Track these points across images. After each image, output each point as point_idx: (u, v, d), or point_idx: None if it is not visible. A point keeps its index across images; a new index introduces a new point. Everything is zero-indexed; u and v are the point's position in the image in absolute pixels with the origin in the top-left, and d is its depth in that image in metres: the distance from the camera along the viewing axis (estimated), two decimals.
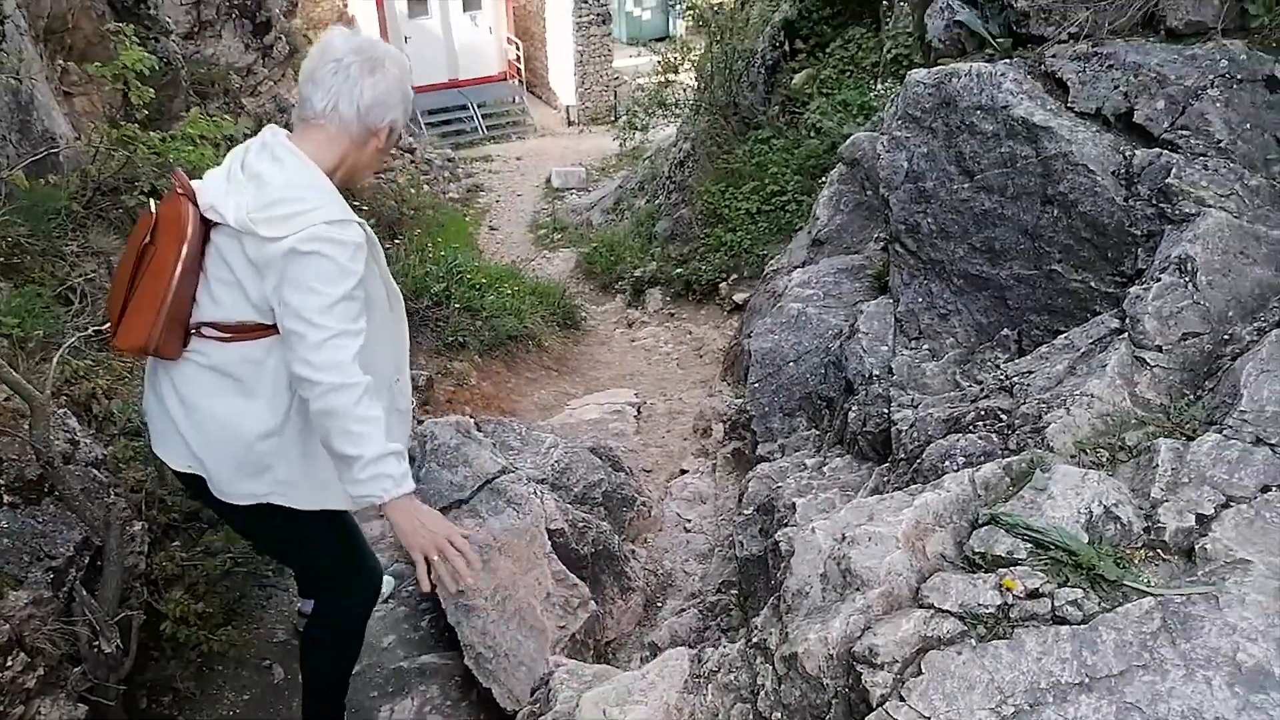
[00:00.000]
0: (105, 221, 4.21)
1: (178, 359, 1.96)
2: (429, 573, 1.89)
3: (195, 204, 1.89)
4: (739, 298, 7.93)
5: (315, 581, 2.47)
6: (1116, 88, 2.72)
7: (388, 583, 3.29)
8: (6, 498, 2.38)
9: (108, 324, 2.24)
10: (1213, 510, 1.79)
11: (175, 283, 1.87)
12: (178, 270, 1.86)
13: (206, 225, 1.90)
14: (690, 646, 2.79)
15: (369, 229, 1.96)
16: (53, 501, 2.47)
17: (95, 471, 2.66)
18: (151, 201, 2.00)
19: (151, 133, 4.17)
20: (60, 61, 4.93)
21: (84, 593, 2.35)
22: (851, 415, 3.11)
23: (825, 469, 3.01)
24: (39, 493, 2.47)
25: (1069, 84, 2.81)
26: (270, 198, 1.83)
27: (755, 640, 1.89)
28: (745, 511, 3.06)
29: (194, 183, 1.94)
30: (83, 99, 5.13)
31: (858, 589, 1.79)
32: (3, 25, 4.08)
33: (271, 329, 1.90)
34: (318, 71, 1.90)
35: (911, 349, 3.14)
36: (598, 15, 23.14)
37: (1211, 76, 2.60)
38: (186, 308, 1.92)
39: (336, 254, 1.81)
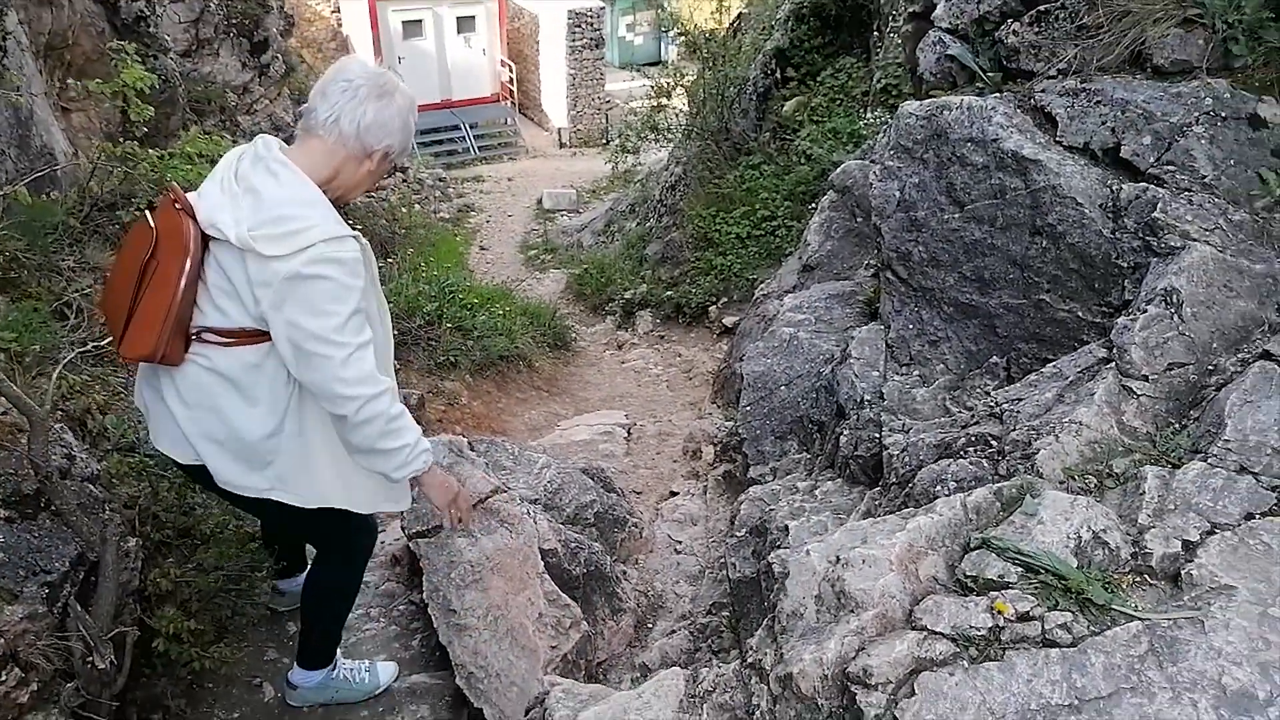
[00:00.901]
0: (102, 237, 4.23)
1: (180, 364, 2.04)
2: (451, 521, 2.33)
3: (194, 219, 1.94)
4: (729, 321, 7.98)
5: (322, 543, 2.60)
6: (1104, 123, 2.79)
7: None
8: (3, 512, 2.37)
9: (107, 336, 2.33)
10: (1198, 537, 1.83)
11: (179, 296, 1.94)
12: (182, 284, 1.93)
13: (205, 237, 1.95)
14: (683, 667, 2.81)
15: (363, 240, 2.04)
16: (49, 516, 2.47)
17: (91, 487, 2.66)
18: (147, 214, 2.03)
19: (150, 150, 4.20)
20: (59, 78, 4.96)
21: (78, 608, 2.35)
22: (843, 439, 3.15)
23: (817, 492, 3.05)
24: (35, 507, 2.47)
25: (1058, 118, 2.87)
26: (268, 214, 1.89)
27: (750, 660, 1.92)
28: (737, 534, 3.09)
29: (190, 195, 2.00)
30: (80, 115, 5.15)
31: (852, 610, 1.82)
32: (4, 41, 4.11)
33: (269, 335, 1.98)
34: (329, 87, 1.98)
35: (902, 375, 3.18)
36: (590, 40, 23.38)
37: (1197, 114, 2.67)
38: (189, 317, 2.00)
39: (338, 273, 1.90)
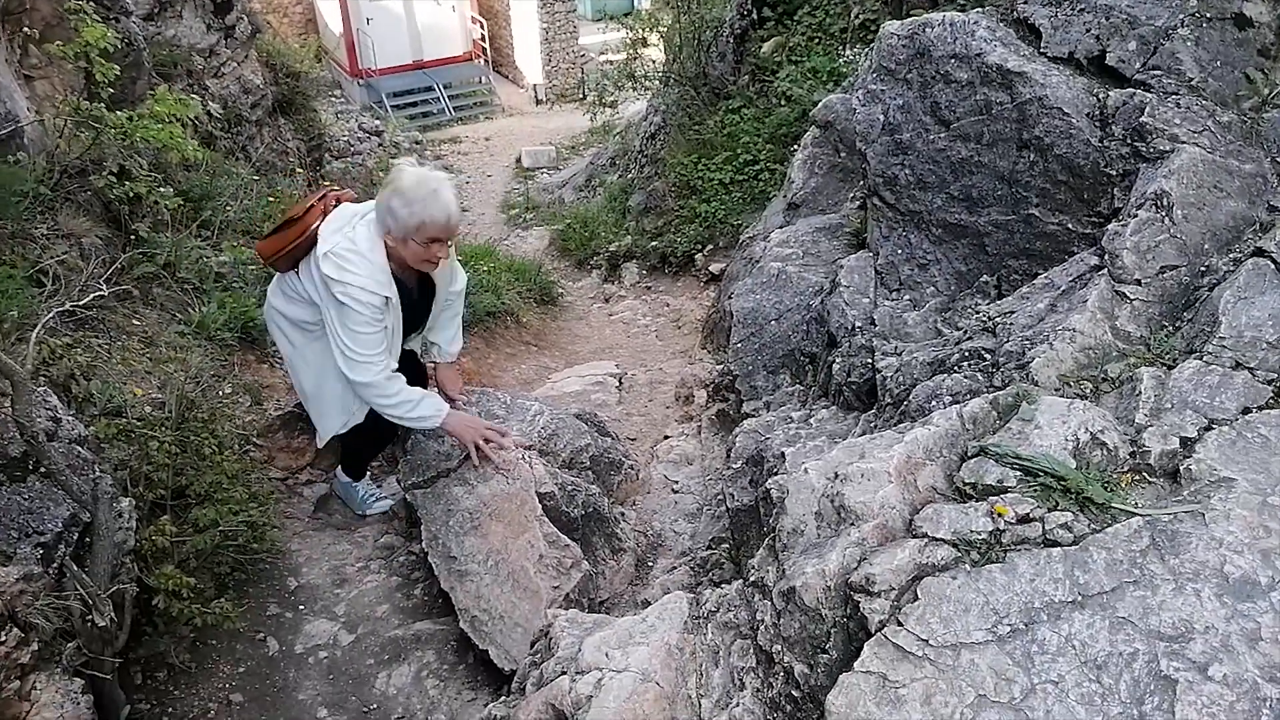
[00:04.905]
0: (74, 204, 4.14)
1: (284, 273, 3.13)
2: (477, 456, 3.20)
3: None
4: (715, 268, 7.93)
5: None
6: (1088, 31, 2.74)
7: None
8: None
9: (85, 299, 2.91)
10: (1196, 433, 1.83)
11: (297, 243, 2.95)
12: (301, 240, 2.94)
13: None
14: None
15: (394, 294, 2.92)
16: (39, 478, 2.44)
17: (79, 449, 2.63)
18: (331, 193, 3.11)
19: (118, 113, 4.09)
20: (19, 45, 4.82)
21: (75, 568, 2.33)
22: (836, 367, 3.13)
23: (812, 420, 3.04)
24: (24, 469, 2.44)
25: (1041, 29, 2.83)
26: (343, 250, 2.82)
27: (753, 579, 1.91)
28: (734, 464, 3.08)
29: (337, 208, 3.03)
30: (43, 82, 5.01)
31: (852, 523, 1.81)
32: None
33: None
34: (383, 190, 2.86)
35: (892, 300, 3.16)
36: None
37: (1181, 16, 2.62)
38: (301, 256, 3.01)
39: (363, 309, 2.83)
